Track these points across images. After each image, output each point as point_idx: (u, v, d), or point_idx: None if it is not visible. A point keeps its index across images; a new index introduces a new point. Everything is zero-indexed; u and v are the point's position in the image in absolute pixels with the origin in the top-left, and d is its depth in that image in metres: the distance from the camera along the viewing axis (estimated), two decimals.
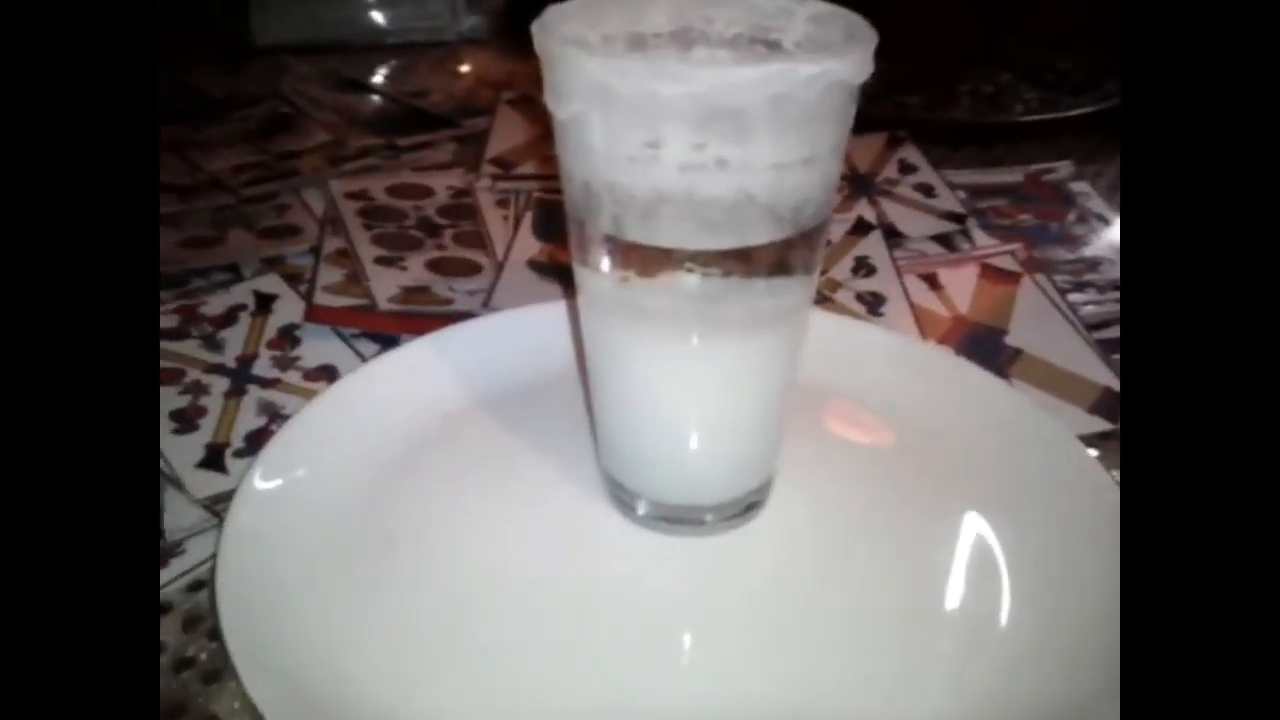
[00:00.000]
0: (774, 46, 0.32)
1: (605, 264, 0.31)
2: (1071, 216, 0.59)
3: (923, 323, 0.49)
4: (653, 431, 0.34)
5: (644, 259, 0.30)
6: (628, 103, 0.27)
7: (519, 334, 0.44)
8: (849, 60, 0.27)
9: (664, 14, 0.32)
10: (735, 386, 0.33)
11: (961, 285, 0.52)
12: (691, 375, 0.33)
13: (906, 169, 0.64)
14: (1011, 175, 0.64)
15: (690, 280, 0.30)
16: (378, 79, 0.79)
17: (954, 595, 0.34)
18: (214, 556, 0.33)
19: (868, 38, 0.28)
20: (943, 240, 0.56)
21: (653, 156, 0.28)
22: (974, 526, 0.36)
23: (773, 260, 0.30)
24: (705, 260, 0.30)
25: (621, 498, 0.36)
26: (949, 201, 0.60)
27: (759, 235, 0.29)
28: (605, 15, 0.31)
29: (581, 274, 0.33)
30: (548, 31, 0.29)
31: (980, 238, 0.56)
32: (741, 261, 0.30)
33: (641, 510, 0.36)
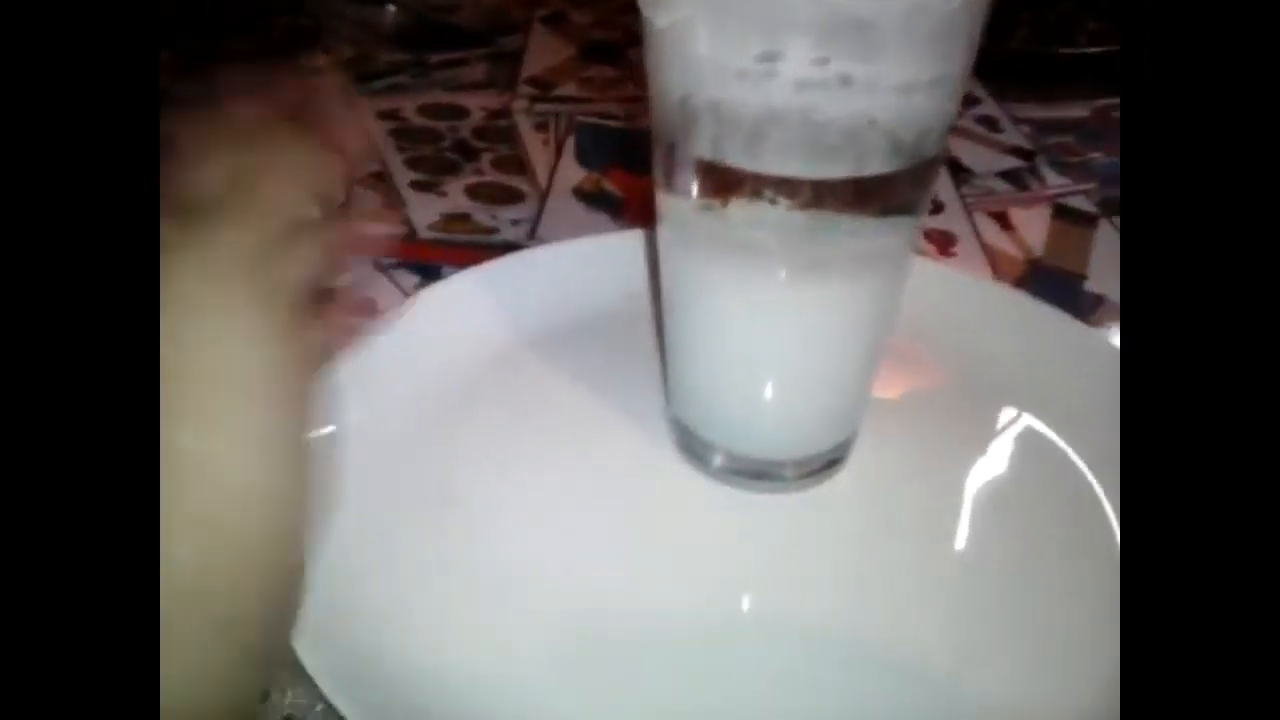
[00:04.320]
0: None
1: (696, 191, 0.28)
2: None
3: (996, 265, 0.46)
4: (737, 379, 0.32)
5: (744, 187, 0.27)
6: (744, 9, 0.24)
7: (572, 268, 0.41)
8: None
9: None
10: (833, 333, 0.30)
11: (1034, 226, 0.49)
12: (786, 319, 0.30)
13: (969, 101, 0.60)
14: (1078, 110, 0.60)
15: (791, 214, 0.27)
16: None
17: (1048, 554, 0.32)
18: None
19: None
20: (1011, 177, 0.53)
21: (767, 71, 0.24)
22: (1071, 481, 0.34)
23: (886, 194, 0.27)
24: (812, 191, 0.27)
25: (694, 449, 0.34)
26: (1015, 137, 0.57)
27: (875, 165, 0.26)
28: None
29: (665, 201, 0.30)
30: None
31: (1050, 176, 0.53)
32: (852, 194, 0.27)
33: (717, 463, 0.33)
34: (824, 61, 0.24)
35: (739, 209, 0.27)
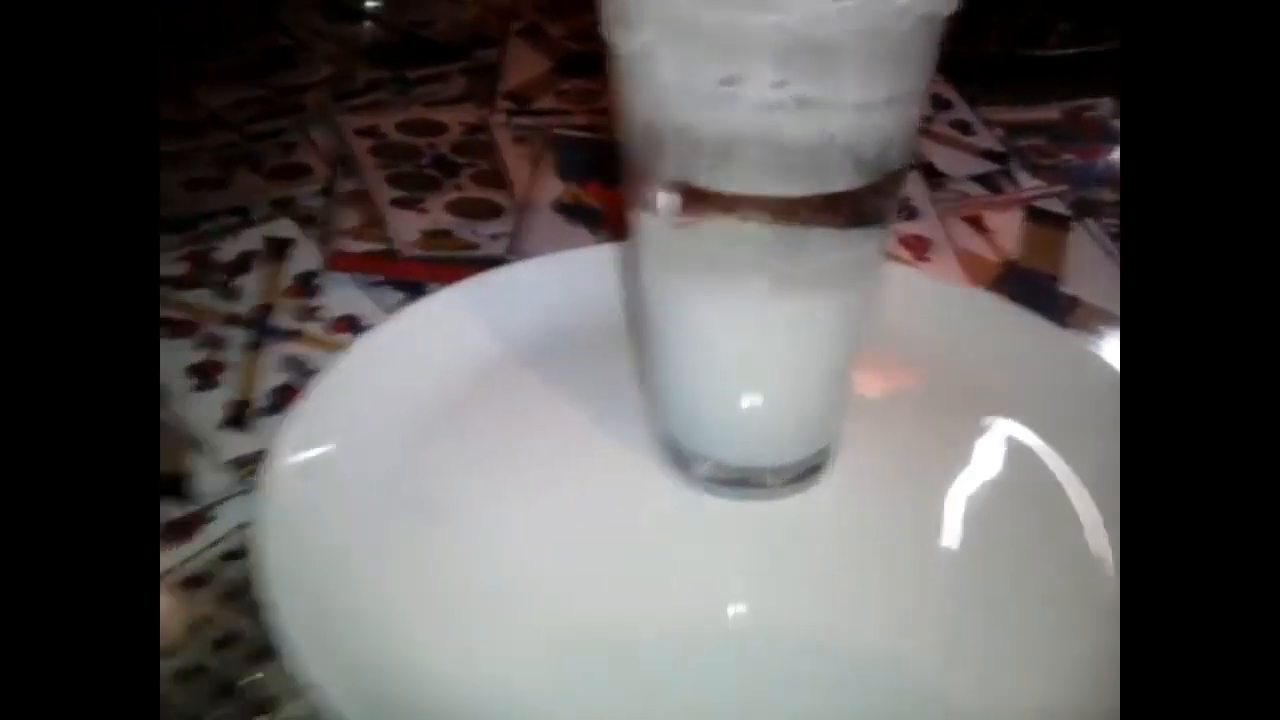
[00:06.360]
0: None
1: (667, 211, 0.29)
2: (1115, 156, 0.56)
3: (971, 269, 0.47)
4: (714, 390, 0.32)
5: (712, 206, 0.28)
6: (707, 34, 0.24)
7: (554, 281, 0.42)
8: None
9: None
10: (809, 342, 0.31)
11: (1008, 229, 0.50)
12: (761, 331, 0.30)
13: (940, 105, 0.61)
14: (1050, 112, 0.61)
15: (762, 229, 0.28)
16: (374, 4, 0.75)
17: (1027, 557, 0.32)
18: (245, 524, 0.31)
19: None
20: (984, 181, 0.54)
21: (730, 94, 0.25)
22: (1048, 484, 0.34)
23: (853, 208, 0.28)
24: (779, 208, 0.27)
25: (677, 459, 0.34)
26: (987, 139, 0.58)
27: (839, 181, 0.27)
28: None
29: (638, 219, 0.30)
30: None
31: (1023, 179, 0.54)
32: (819, 209, 0.27)
33: (699, 472, 0.34)
34: (783, 84, 0.25)
35: (709, 226, 0.28)
